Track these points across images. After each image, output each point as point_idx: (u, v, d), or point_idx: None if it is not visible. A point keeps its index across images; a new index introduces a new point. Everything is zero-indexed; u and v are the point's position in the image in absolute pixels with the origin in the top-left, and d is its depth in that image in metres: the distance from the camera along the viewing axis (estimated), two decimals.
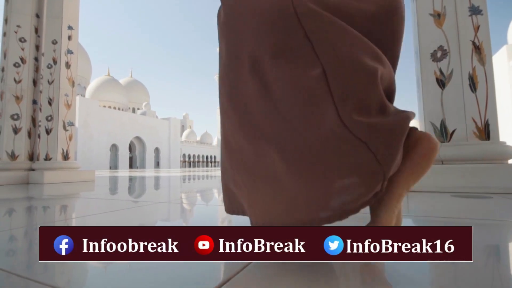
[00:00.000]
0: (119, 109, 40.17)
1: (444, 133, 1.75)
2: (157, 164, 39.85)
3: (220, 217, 1.02)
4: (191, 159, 49.55)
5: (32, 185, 2.95)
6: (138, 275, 0.50)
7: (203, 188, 2.50)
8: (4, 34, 3.69)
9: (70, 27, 3.67)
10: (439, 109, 1.77)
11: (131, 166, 37.56)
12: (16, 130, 3.43)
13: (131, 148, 37.93)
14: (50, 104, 3.45)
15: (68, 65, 3.60)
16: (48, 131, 3.41)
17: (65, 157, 3.50)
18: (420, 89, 1.87)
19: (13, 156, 3.39)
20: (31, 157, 3.56)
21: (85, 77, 40.86)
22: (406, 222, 0.89)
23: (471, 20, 1.81)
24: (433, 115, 1.79)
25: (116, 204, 1.44)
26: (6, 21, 3.69)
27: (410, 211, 1.14)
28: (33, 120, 3.58)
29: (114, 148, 34.37)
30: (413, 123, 0.57)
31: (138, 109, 44.43)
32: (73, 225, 0.94)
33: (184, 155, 47.62)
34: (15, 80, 3.49)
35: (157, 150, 40.10)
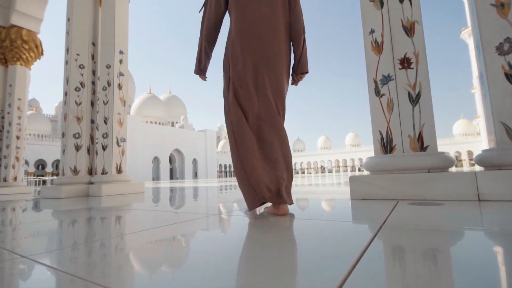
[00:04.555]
0: (159, 123, 42.77)
1: None
2: (195, 175, 41.33)
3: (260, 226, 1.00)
4: (227, 169, 50.57)
5: (91, 197, 3.21)
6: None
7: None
8: (66, 62, 4.15)
9: (121, 52, 4.02)
10: (511, 108, 1.57)
11: (171, 177, 39.46)
12: (77, 148, 3.81)
13: (171, 160, 39.94)
14: (105, 122, 3.78)
15: (120, 86, 3.93)
16: (104, 148, 3.73)
17: (119, 170, 3.78)
18: (485, 85, 1.69)
19: (75, 171, 3.75)
20: (90, 172, 3.91)
21: (130, 96, 44.42)
22: (477, 235, 0.78)
23: None
24: (504, 114, 1.59)
25: (167, 216, 1.50)
26: (67, 50, 4.16)
27: (484, 224, 1.01)
28: (91, 138, 3.95)
29: (156, 160, 36.50)
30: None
31: (177, 122, 46.87)
32: (129, 240, 0.98)
33: (220, 165, 48.82)
34: (76, 102, 3.90)
35: (194, 161, 41.69)
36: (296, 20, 1.45)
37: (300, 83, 1.52)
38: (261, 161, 1.25)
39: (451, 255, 0.64)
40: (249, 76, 1.32)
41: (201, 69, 1.52)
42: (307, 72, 1.48)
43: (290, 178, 1.30)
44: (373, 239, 0.75)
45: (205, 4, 1.52)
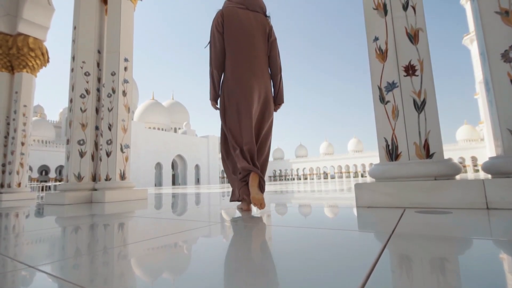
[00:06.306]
0: (162, 129, 42.95)
1: None
2: (198, 181, 41.26)
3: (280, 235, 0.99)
4: None
5: (95, 204, 3.21)
6: None
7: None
8: (72, 70, 4.21)
9: (126, 59, 4.07)
10: None
11: (173, 183, 39.41)
12: (82, 154, 3.82)
13: (173, 165, 39.95)
14: (109, 129, 3.80)
15: (124, 93, 3.96)
16: (108, 154, 3.74)
17: (122, 177, 3.79)
18: (491, 92, 1.68)
19: (79, 178, 3.76)
20: (94, 178, 3.92)
21: (133, 102, 44.76)
22: (487, 244, 0.76)
23: None
24: (510, 121, 1.58)
25: (169, 224, 1.49)
26: (73, 58, 4.22)
27: (493, 233, 0.99)
28: (96, 144, 3.97)
29: (158, 166, 36.53)
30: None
31: (179, 128, 47.03)
32: (131, 249, 0.98)
33: (222, 171, 48.72)
34: (81, 109, 3.94)
35: (197, 167, 41.66)
36: (273, 63, 1.87)
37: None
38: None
39: (467, 267, 0.63)
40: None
41: (217, 95, 1.85)
42: (283, 103, 1.96)
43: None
44: (383, 249, 0.74)
45: (210, 40, 1.84)
